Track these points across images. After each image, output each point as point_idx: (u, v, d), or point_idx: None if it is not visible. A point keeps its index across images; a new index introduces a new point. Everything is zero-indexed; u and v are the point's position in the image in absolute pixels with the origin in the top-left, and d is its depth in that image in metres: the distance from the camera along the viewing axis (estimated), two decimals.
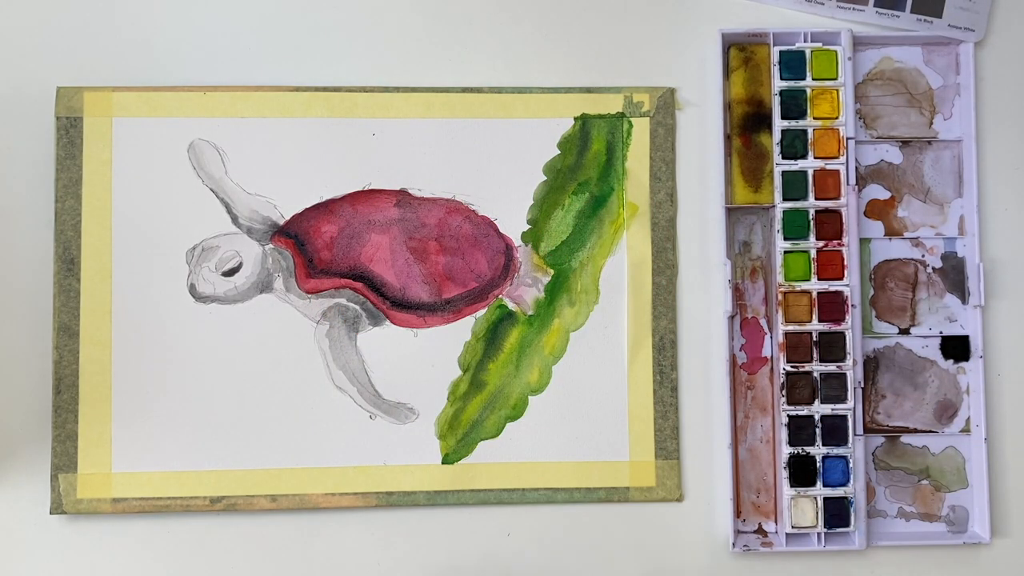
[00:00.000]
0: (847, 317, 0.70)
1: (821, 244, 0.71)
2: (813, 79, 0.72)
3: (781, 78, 0.72)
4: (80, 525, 0.69)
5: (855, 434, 0.70)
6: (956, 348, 0.73)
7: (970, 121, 0.73)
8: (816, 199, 0.71)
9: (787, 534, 0.70)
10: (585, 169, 0.72)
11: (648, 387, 0.71)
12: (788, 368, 0.70)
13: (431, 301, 0.71)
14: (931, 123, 0.74)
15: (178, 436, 0.69)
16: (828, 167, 0.71)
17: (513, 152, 0.71)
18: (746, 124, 0.72)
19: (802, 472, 0.70)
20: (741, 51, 0.73)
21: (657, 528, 0.71)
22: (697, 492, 0.71)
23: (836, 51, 0.72)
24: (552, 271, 0.71)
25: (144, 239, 0.70)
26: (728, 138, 0.73)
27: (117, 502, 0.68)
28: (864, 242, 0.73)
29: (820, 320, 0.71)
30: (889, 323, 0.73)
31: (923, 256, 0.73)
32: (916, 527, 0.72)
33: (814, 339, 0.70)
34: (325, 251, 0.71)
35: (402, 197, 0.71)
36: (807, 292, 0.71)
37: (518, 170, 0.71)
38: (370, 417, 0.70)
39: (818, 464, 0.70)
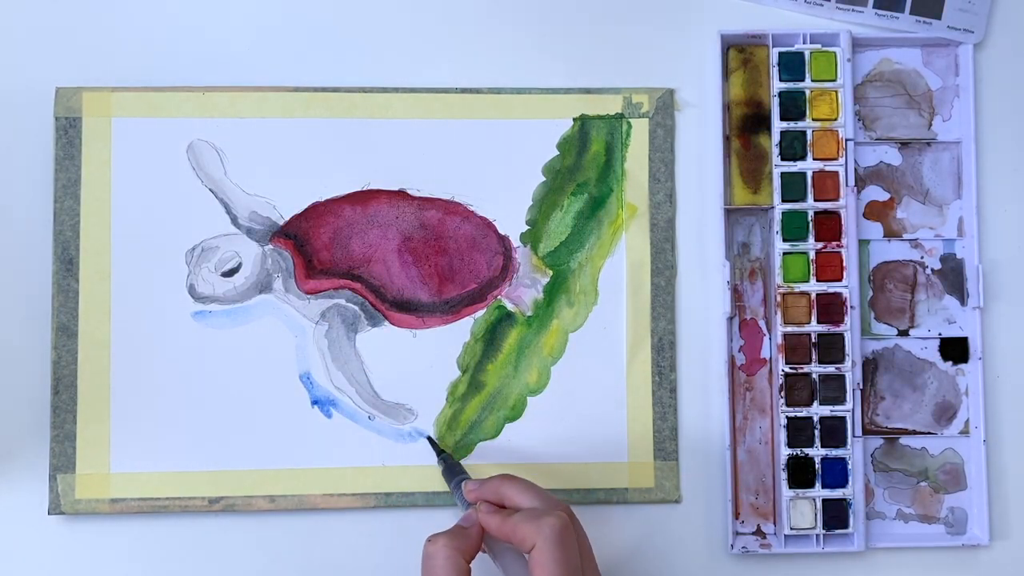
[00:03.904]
0: (846, 319, 0.70)
1: (820, 245, 0.71)
2: (812, 80, 0.72)
3: (780, 79, 0.72)
4: (78, 525, 0.69)
5: (854, 436, 0.70)
6: (955, 350, 0.72)
7: (969, 123, 0.73)
8: (815, 200, 0.71)
9: (786, 536, 0.70)
10: (584, 170, 0.72)
11: (647, 388, 0.71)
12: (787, 369, 0.70)
13: (430, 302, 0.71)
14: (930, 124, 0.74)
15: (176, 436, 0.69)
16: (827, 168, 0.71)
17: (512, 153, 0.71)
18: (745, 125, 0.72)
19: (801, 474, 0.70)
20: (740, 52, 0.73)
21: (655, 530, 0.71)
22: (695, 493, 0.71)
23: (835, 52, 0.72)
24: (551, 272, 0.71)
25: (143, 239, 0.70)
26: (727, 139, 0.73)
27: (115, 502, 0.68)
28: (863, 243, 0.73)
29: (819, 321, 0.70)
30: (888, 325, 0.73)
31: (922, 258, 0.73)
32: (915, 529, 0.72)
33: (813, 340, 0.70)
34: (324, 252, 0.71)
35: (401, 198, 0.71)
36: (806, 293, 0.71)
37: (517, 171, 0.71)
38: (369, 418, 0.70)
39: (817, 466, 0.70)
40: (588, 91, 0.72)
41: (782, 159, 0.71)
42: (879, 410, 0.72)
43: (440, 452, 0.69)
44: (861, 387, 0.71)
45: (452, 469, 0.67)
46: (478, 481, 0.64)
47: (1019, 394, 0.73)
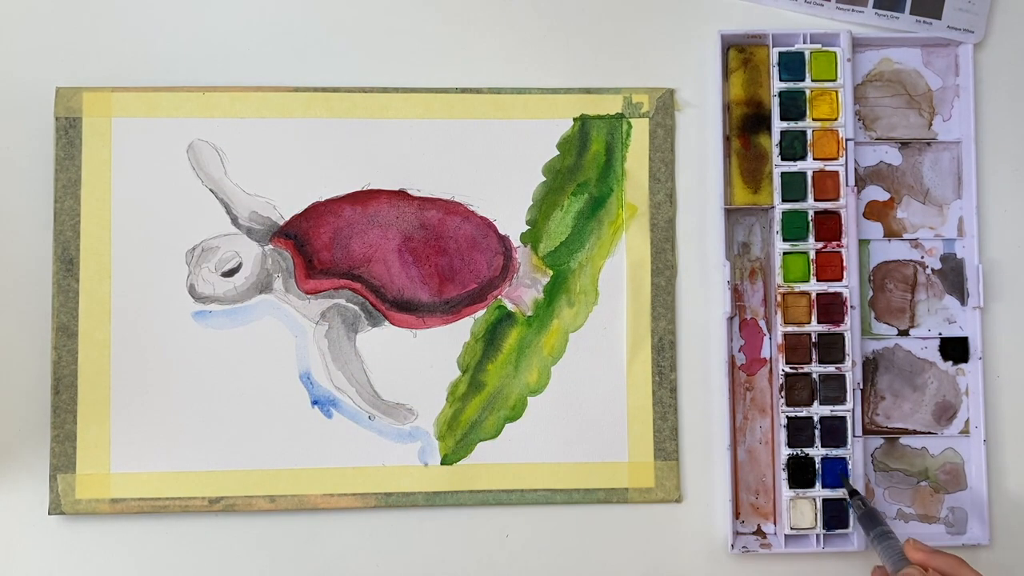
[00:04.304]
0: (846, 318, 0.70)
1: (820, 245, 0.71)
2: (812, 80, 0.72)
3: (780, 79, 0.72)
4: (78, 525, 0.69)
5: (854, 435, 0.70)
6: (955, 349, 0.72)
7: (969, 122, 0.73)
8: (815, 200, 0.71)
9: (786, 535, 0.70)
10: (584, 170, 0.72)
11: (647, 388, 0.71)
12: (787, 369, 0.70)
13: (430, 302, 0.71)
14: (930, 124, 0.74)
15: (177, 436, 0.69)
16: (827, 168, 0.71)
17: (512, 153, 0.71)
18: (745, 125, 0.72)
19: (801, 473, 0.70)
20: (740, 52, 0.73)
21: (656, 529, 0.71)
22: (696, 493, 0.71)
23: (835, 52, 0.72)
24: (551, 272, 0.71)
25: (143, 239, 0.70)
26: (727, 139, 0.73)
27: (116, 502, 0.68)
28: (863, 243, 0.73)
29: (819, 321, 0.70)
30: (888, 324, 0.73)
31: (922, 257, 0.73)
32: (915, 528, 0.72)
33: (813, 340, 0.70)
34: (324, 252, 0.71)
35: (401, 198, 0.71)
36: (806, 293, 0.71)
37: (517, 171, 0.71)
38: (369, 418, 0.70)
39: (817, 465, 0.70)
40: (588, 91, 0.72)
41: (782, 159, 0.71)
42: (879, 410, 0.72)
43: (858, 496, 0.69)
44: (861, 387, 0.71)
45: (874, 518, 0.67)
46: (925, 546, 0.64)
47: (1019, 394, 0.73)
